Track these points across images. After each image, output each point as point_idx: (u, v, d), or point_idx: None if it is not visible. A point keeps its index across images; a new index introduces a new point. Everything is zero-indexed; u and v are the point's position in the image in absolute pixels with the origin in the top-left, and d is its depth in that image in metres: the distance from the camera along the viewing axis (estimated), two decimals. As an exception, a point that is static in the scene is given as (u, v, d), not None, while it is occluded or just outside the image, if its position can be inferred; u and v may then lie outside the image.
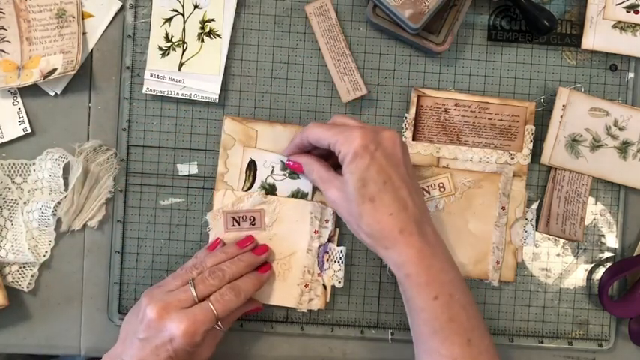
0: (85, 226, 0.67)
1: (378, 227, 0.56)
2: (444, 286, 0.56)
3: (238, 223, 0.65)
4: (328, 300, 0.66)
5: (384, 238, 0.56)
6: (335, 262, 0.66)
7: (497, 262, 0.66)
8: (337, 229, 0.66)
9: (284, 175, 0.66)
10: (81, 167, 0.65)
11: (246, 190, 0.66)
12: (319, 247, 0.65)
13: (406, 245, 0.56)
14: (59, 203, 0.65)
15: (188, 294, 0.58)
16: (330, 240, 0.66)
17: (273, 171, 0.65)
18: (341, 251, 0.66)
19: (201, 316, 0.57)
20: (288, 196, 0.66)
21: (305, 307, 0.65)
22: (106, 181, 0.66)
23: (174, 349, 0.56)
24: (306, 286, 0.65)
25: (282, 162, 0.65)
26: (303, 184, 0.66)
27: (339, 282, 0.66)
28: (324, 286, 0.66)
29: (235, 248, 0.63)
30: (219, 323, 0.59)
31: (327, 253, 0.66)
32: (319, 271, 0.66)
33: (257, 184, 0.65)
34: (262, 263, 0.64)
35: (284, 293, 0.65)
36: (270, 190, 0.66)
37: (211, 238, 0.65)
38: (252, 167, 0.65)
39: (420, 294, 0.56)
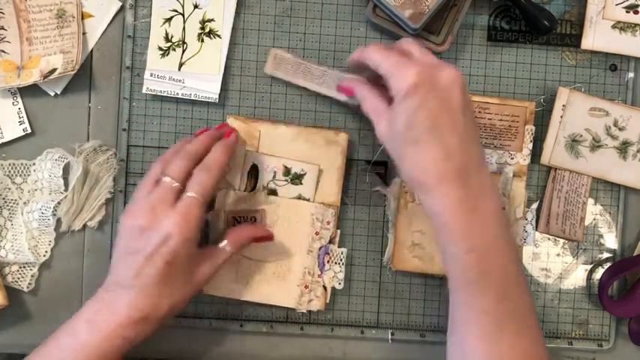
0: (85, 226, 0.67)
1: (417, 172, 0.53)
2: (482, 240, 0.53)
3: (239, 223, 0.65)
4: (328, 301, 0.66)
5: (422, 184, 0.53)
6: (335, 263, 0.66)
7: (497, 262, 0.66)
8: (338, 231, 0.66)
9: (286, 180, 0.65)
10: (81, 167, 0.65)
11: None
12: (320, 248, 0.65)
13: (443, 195, 0.53)
14: (59, 203, 0.65)
15: (166, 186, 0.56)
16: (331, 241, 0.66)
17: (275, 176, 0.65)
18: (342, 253, 0.66)
19: (186, 207, 0.55)
20: (289, 197, 0.66)
21: (304, 308, 0.65)
22: (106, 181, 0.66)
23: (169, 252, 0.54)
24: (306, 287, 0.65)
25: (285, 166, 0.65)
26: (305, 190, 0.65)
27: (340, 283, 0.66)
28: (324, 288, 0.66)
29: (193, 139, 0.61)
30: (225, 242, 0.59)
31: (328, 254, 0.66)
32: (319, 273, 0.66)
33: (258, 188, 0.65)
34: (228, 131, 0.62)
35: (284, 294, 0.65)
36: (271, 195, 0.66)
37: (211, 238, 0.65)
38: (254, 171, 0.65)
39: (454, 245, 0.53)
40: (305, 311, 0.66)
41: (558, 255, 0.68)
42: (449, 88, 0.53)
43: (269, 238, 0.63)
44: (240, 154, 0.65)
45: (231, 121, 0.65)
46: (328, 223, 0.65)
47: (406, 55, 0.56)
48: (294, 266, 0.65)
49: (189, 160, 0.58)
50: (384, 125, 0.55)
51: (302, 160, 0.65)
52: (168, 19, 0.66)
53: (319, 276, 0.66)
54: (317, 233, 0.65)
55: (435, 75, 0.53)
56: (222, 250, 0.60)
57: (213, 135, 0.61)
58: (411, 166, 0.54)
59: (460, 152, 0.53)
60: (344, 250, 0.66)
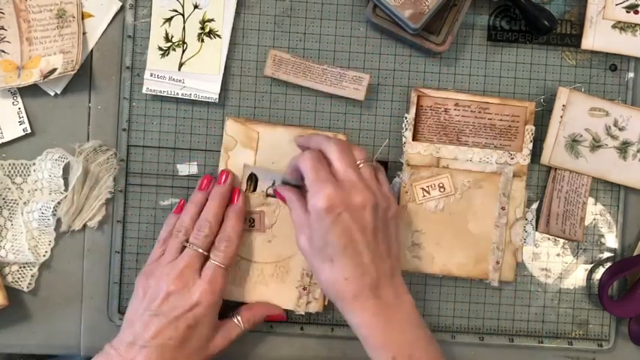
0: (84, 226, 0.67)
1: (333, 289, 0.57)
2: (403, 348, 0.56)
3: None
4: (326, 303, 0.66)
5: (339, 300, 0.57)
6: None
7: (497, 262, 0.66)
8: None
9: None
10: (81, 167, 0.65)
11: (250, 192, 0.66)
12: None
13: (360, 310, 0.56)
14: (59, 203, 0.65)
15: (193, 257, 0.60)
16: None
17: (274, 183, 0.65)
18: None
19: (213, 275, 0.60)
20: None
21: (303, 309, 0.65)
22: (106, 181, 0.66)
23: (195, 317, 0.58)
24: (304, 289, 0.65)
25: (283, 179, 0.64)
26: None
27: None
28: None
29: (200, 194, 0.64)
30: (239, 319, 0.62)
31: None
32: None
33: (258, 190, 0.65)
34: (233, 194, 0.64)
35: (282, 295, 0.65)
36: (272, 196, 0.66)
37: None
38: (253, 178, 0.65)
39: (377, 356, 0.57)
40: (303, 313, 0.66)
41: (558, 255, 0.68)
42: (361, 210, 0.56)
43: (281, 317, 0.66)
44: (238, 154, 0.65)
45: (230, 123, 0.65)
46: None
47: (327, 165, 0.58)
48: (293, 268, 0.65)
49: (212, 230, 0.62)
50: (304, 239, 0.58)
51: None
52: (169, 19, 0.66)
53: None
54: None
55: (348, 198, 0.56)
56: (236, 325, 0.63)
57: (222, 195, 0.63)
58: (328, 283, 0.57)
59: (372, 269, 0.56)
60: None
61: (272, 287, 0.65)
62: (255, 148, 0.65)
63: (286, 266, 0.65)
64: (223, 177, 0.64)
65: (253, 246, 0.65)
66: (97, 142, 0.66)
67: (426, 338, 0.58)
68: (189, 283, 0.59)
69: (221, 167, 0.66)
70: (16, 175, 0.66)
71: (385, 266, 0.58)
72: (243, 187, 0.65)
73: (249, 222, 0.65)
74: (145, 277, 0.61)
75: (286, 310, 0.66)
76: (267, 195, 0.65)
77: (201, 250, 0.61)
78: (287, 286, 0.65)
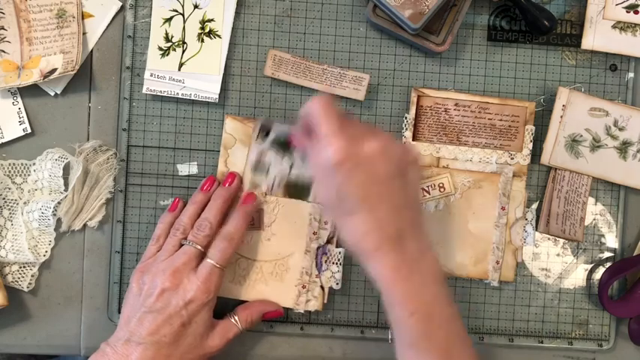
0: (84, 226, 0.67)
1: (354, 242, 0.55)
2: (422, 303, 0.54)
3: None
4: (326, 301, 0.66)
5: (362, 253, 0.55)
6: (333, 263, 0.66)
7: (497, 262, 0.66)
8: (336, 231, 0.66)
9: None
10: (81, 167, 0.65)
11: (261, 141, 0.65)
12: (318, 248, 0.65)
13: (380, 263, 0.54)
14: (59, 203, 0.65)
15: (190, 254, 0.60)
16: (328, 241, 0.66)
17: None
18: (339, 253, 0.66)
19: (208, 274, 0.59)
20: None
21: (302, 308, 0.65)
22: (106, 181, 0.66)
23: (188, 315, 0.58)
24: (303, 287, 0.65)
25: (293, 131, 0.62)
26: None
27: (337, 284, 0.66)
28: (322, 288, 0.66)
29: (201, 195, 0.64)
30: (236, 318, 0.62)
31: (326, 254, 0.66)
32: (317, 273, 0.66)
33: (271, 137, 0.65)
34: (246, 195, 0.64)
35: (281, 294, 0.65)
36: (284, 144, 0.64)
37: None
38: (264, 129, 0.64)
39: (396, 309, 0.54)
40: (302, 311, 0.66)
41: (558, 255, 0.68)
42: (374, 160, 0.53)
43: (279, 314, 0.65)
44: (238, 152, 0.65)
45: (229, 122, 0.65)
46: (326, 223, 0.65)
47: (337, 120, 0.54)
48: (292, 266, 0.65)
49: (212, 230, 0.61)
50: (322, 192, 0.56)
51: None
52: (168, 19, 0.66)
53: (317, 276, 0.66)
54: (314, 233, 0.65)
55: (360, 148, 0.53)
56: (233, 325, 0.63)
57: (225, 196, 0.63)
58: (349, 236, 0.55)
59: (393, 220, 0.54)
60: (341, 250, 0.66)
61: (271, 285, 0.65)
62: None
63: (285, 264, 0.65)
64: (230, 179, 0.64)
65: (252, 244, 0.65)
66: (97, 142, 0.66)
67: (446, 296, 0.55)
68: (183, 281, 0.59)
69: (220, 165, 0.66)
70: (16, 175, 0.66)
71: (406, 217, 0.55)
72: (254, 137, 0.65)
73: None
74: (140, 273, 0.60)
75: (286, 309, 0.66)
76: (266, 194, 0.65)
77: (199, 247, 0.60)
78: (286, 284, 0.65)
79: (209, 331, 0.61)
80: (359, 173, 0.53)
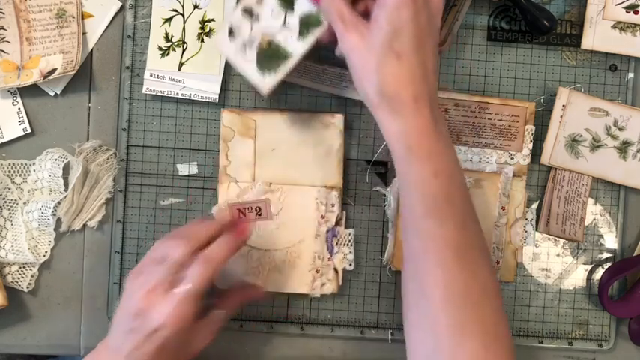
0: (84, 226, 0.67)
1: (395, 87, 0.51)
2: (446, 164, 0.52)
3: (244, 215, 0.65)
4: (341, 283, 0.66)
5: (397, 100, 0.52)
6: (344, 245, 0.66)
7: (497, 262, 0.66)
8: (344, 213, 0.66)
9: None
10: (81, 167, 0.65)
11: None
12: (327, 231, 0.66)
13: (417, 114, 0.51)
14: (59, 203, 0.65)
15: (166, 269, 0.54)
16: (337, 224, 0.66)
17: None
18: (349, 234, 0.66)
19: (180, 299, 0.54)
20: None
21: (318, 292, 0.65)
22: (106, 181, 0.66)
23: (161, 339, 0.53)
24: (317, 271, 0.66)
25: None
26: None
27: (350, 264, 0.66)
28: (336, 270, 0.66)
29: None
30: (219, 310, 0.58)
31: (336, 237, 0.66)
32: (329, 256, 0.66)
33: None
34: (243, 226, 0.59)
35: (296, 280, 0.65)
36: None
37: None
38: None
39: (421, 168, 0.52)
40: (319, 296, 0.66)
41: (558, 255, 0.68)
42: (437, 11, 0.53)
43: (260, 295, 0.63)
44: (238, 145, 0.65)
45: (226, 114, 0.65)
46: (333, 205, 0.65)
47: None
48: (304, 252, 0.65)
49: (193, 247, 0.55)
50: (357, 36, 0.52)
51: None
52: (168, 19, 0.66)
53: (329, 259, 0.66)
54: (323, 217, 0.65)
55: None
56: (217, 315, 0.59)
57: (225, 225, 0.58)
58: (390, 79, 0.52)
59: (433, 77, 0.53)
60: (351, 231, 0.66)
61: (285, 273, 0.65)
62: (253, 136, 0.66)
63: (297, 251, 0.66)
64: (245, 232, 0.59)
65: (262, 235, 0.65)
66: (97, 142, 0.66)
67: (459, 164, 0.55)
68: (153, 303, 0.54)
69: (222, 159, 0.65)
70: (16, 175, 0.66)
71: (435, 80, 0.54)
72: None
73: (255, 211, 0.65)
74: (132, 275, 0.57)
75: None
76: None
77: (177, 265, 0.54)
78: (300, 270, 0.65)
79: (192, 335, 0.57)
80: (424, 17, 0.52)
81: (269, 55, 0.58)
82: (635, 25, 0.66)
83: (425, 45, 0.52)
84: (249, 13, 0.58)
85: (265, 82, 0.58)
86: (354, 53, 0.53)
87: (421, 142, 0.52)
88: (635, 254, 0.68)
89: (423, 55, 0.52)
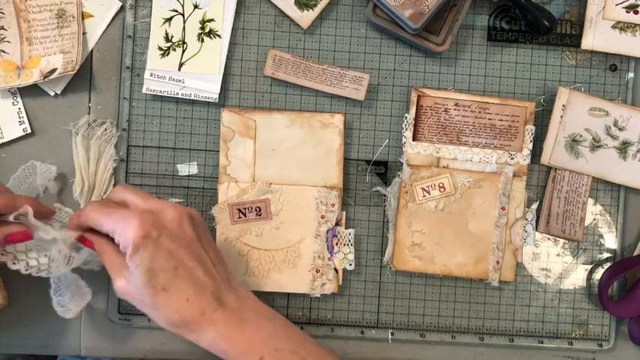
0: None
1: (177, 316, 0.53)
2: (266, 343, 0.55)
3: (244, 215, 0.65)
4: (341, 284, 0.66)
5: (187, 324, 0.54)
6: (344, 245, 0.66)
7: (498, 262, 0.66)
8: (344, 212, 0.66)
9: None
10: (80, 146, 0.65)
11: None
12: (327, 231, 0.66)
13: (211, 325, 0.54)
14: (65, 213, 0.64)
15: None
16: (337, 224, 0.66)
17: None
18: (349, 234, 0.66)
19: None
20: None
21: (318, 292, 0.65)
22: (109, 151, 0.66)
23: None
24: (317, 271, 0.66)
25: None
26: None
27: (350, 264, 0.66)
28: (336, 270, 0.66)
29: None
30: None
31: (336, 236, 0.66)
32: (329, 256, 0.66)
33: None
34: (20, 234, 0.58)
35: (296, 280, 0.66)
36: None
37: (218, 232, 0.65)
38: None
39: None
40: (319, 296, 0.66)
41: (558, 255, 0.68)
42: (178, 225, 0.54)
43: (27, 236, 0.58)
44: (238, 144, 0.65)
45: (226, 114, 0.65)
46: (333, 205, 0.65)
47: (124, 205, 0.56)
48: (304, 252, 0.65)
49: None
50: (124, 281, 0.54)
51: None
52: (169, 19, 0.66)
53: (329, 259, 0.66)
54: (322, 217, 0.65)
55: (159, 218, 0.54)
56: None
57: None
58: (169, 312, 0.53)
59: (209, 280, 0.54)
60: (351, 230, 0.66)
61: (285, 273, 0.66)
62: (253, 136, 0.66)
63: (297, 251, 0.66)
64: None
65: (262, 235, 0.65)
66: (90, 117, 0.66)
67: (285, 326, 0.56)
68: None
69: (222, 159, 0.65)
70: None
71: (219, 273, 0.56)
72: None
73: (255, 211, 0.65)
74: None
75: (292, 295, 0.66)
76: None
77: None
78: (300, 270, 0.66)
79: None
80: (167, 241, 0.53)
81: None
82: (635, 25, 0.66)
83: (183, 262, 0.53)
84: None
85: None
86: (129, 297, 0.55)
87: (231, 343, 0.54)
88: (635, 254, 0.68)
89: (185, 272, 0.53)
